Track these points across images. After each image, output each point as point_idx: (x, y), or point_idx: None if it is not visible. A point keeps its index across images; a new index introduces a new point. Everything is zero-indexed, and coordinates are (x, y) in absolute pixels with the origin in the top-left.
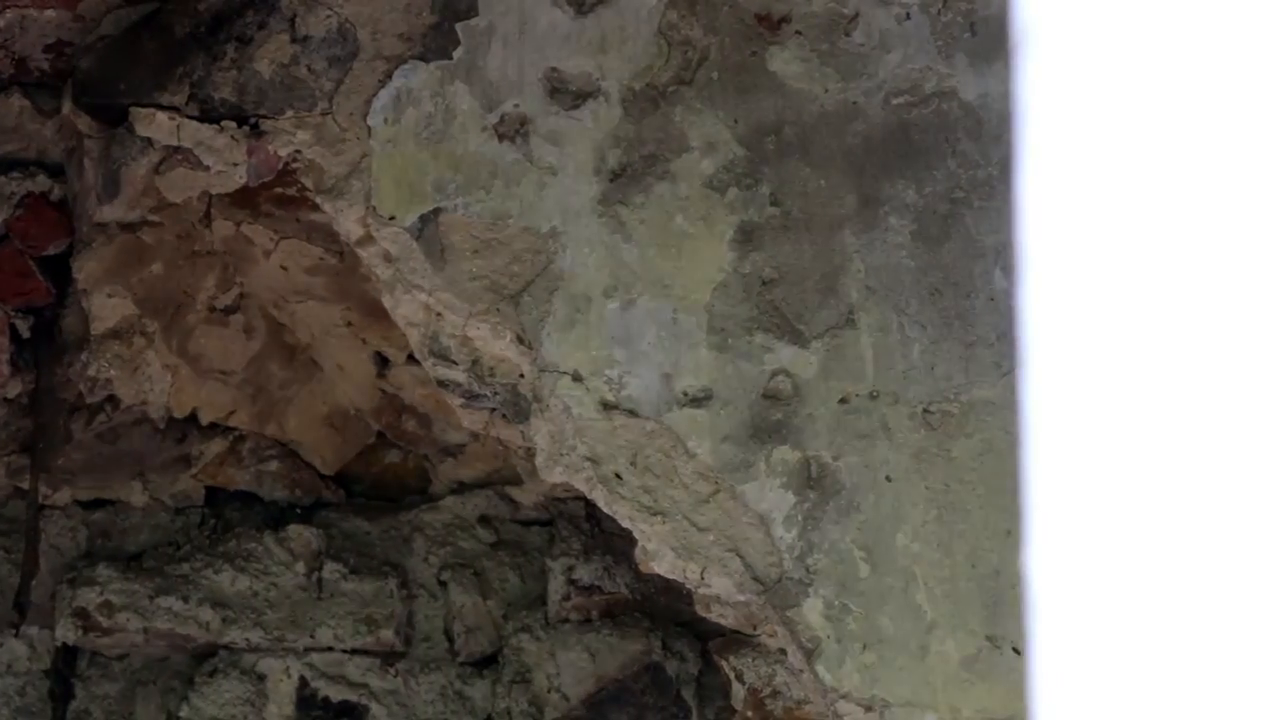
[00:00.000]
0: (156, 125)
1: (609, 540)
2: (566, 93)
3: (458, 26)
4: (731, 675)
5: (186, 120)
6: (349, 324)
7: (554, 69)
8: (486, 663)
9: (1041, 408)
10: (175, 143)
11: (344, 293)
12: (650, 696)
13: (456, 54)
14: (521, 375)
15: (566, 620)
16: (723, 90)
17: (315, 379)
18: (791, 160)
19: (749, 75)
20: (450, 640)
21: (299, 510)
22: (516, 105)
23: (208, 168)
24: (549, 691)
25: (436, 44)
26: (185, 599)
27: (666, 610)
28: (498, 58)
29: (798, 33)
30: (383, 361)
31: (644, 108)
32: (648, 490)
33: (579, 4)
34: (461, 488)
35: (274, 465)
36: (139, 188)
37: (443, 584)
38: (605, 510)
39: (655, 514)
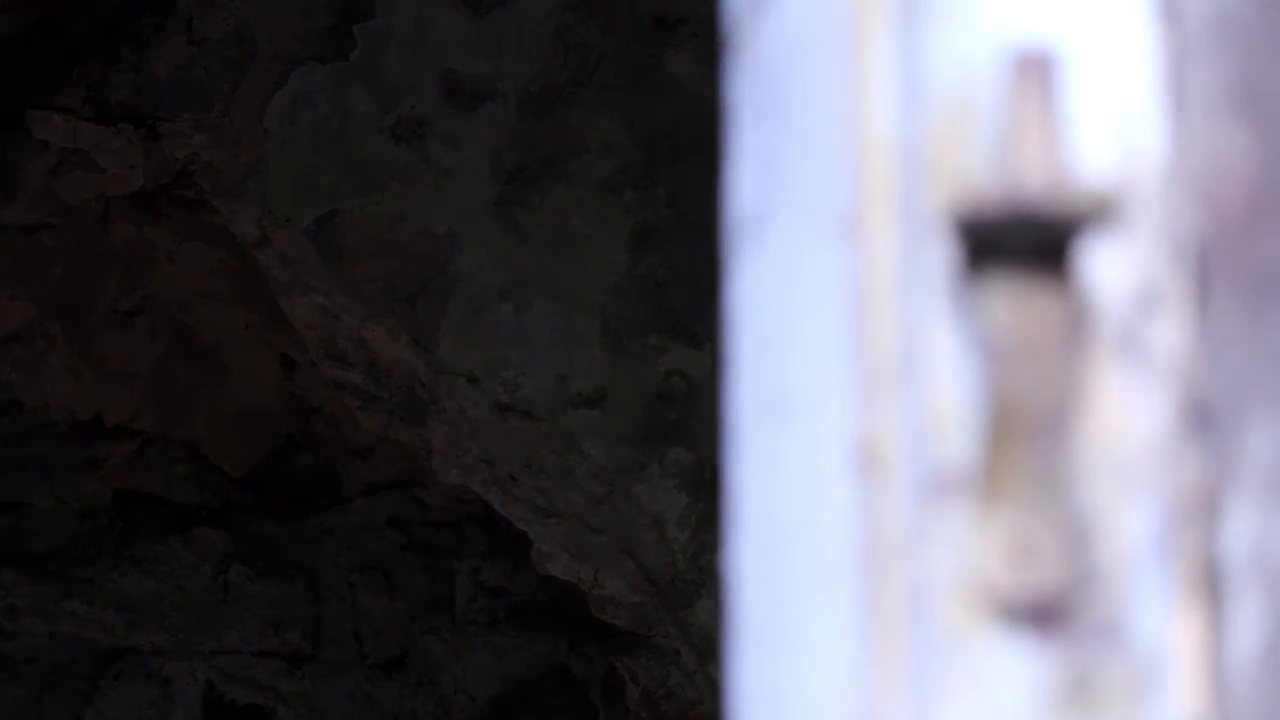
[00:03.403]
0: (53, 127)
1: (514, 541)
2: (464, 94)
3: (355, 28)
4: (626, 676)
5: (82, 122)
6: (249, 326)
7: (451, 70)
8: (395, 665)
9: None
10: (72, 144)
11: (247, 295)
12: (557, 698)
13: (353, 56)
14: (418, 377)
15: (474, 622)
16: (619, 92)
17: (222, 382)
18: (687, 162)
19: (646, 77)
20: (359, 642)
21: (206, 513)
22: (413, 107)
23: (104, 170)
24: (455, 693)
25: (333, 46)
26: (90, 602)
27: (575, 612)
28: (395, 59)
29: (694, 35)
30: (289, 364)
31: (541, 109)
32: (543, 492)
33: (476, 5)
34: (371, 489)
35: (182, 468)
36: (37, 190)
37: (351, 586)
38: (501, 512)
39: (550, 515)
